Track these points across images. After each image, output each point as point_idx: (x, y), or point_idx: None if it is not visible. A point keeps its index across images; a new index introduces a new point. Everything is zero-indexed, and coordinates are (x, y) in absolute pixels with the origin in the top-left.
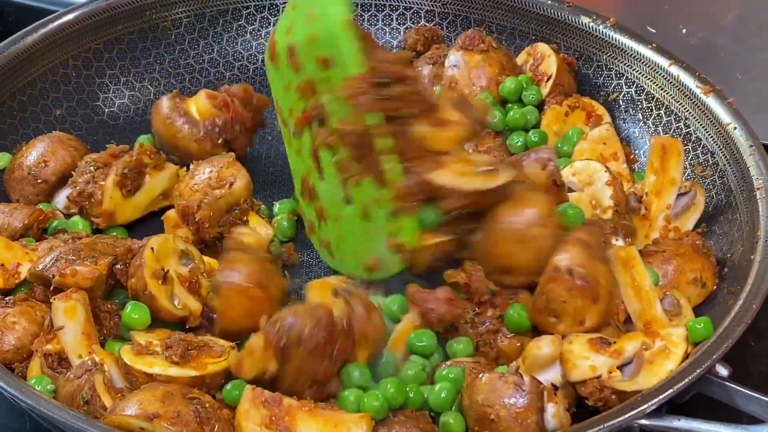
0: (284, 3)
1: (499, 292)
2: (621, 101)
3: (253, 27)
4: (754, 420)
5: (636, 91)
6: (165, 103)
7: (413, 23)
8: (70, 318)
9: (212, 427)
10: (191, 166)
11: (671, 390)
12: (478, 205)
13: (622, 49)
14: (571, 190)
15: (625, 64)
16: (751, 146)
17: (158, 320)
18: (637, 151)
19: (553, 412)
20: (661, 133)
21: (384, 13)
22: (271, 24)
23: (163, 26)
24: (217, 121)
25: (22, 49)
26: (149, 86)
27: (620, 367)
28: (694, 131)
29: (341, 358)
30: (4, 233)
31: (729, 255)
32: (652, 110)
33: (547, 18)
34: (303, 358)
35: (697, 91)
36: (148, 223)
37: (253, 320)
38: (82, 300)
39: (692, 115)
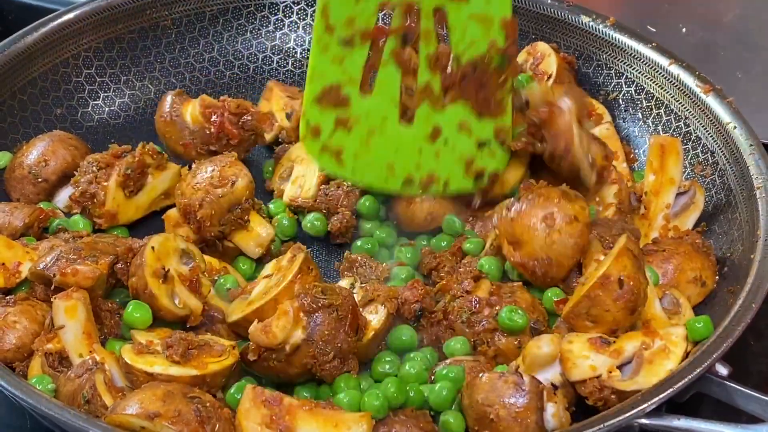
0: (284, 3)
1: (495, 291)
2: (621, 100)
3: (253, 26)
4: (754, 419)
5: (636, 91)
6: (168, 99)
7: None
8: (71, 317)
9: (213, 426)
10: (193, 165)
11: (671, 389)
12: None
13: (622, 48)
14: None
15: (624, 64)
16: (751, 145)
17: (159, 319)
18: (636, 150)
19: (553, 411)
20: (661, 133)
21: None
22: (271, 23)
23: (163, 25)
24: (204, 131)
25: (22, 48)
26: (150, 85)
27: (620, 367)
28: (694, 130)
29: (360, 337)
30: (4, 232)
31: (729, 254)
32: (651, 109)
33: (547, 17)
34: (333, 325)
35: (697, 90)
36: (149, 222)
37: None
38: (83, 299)
39: (692, 114)
